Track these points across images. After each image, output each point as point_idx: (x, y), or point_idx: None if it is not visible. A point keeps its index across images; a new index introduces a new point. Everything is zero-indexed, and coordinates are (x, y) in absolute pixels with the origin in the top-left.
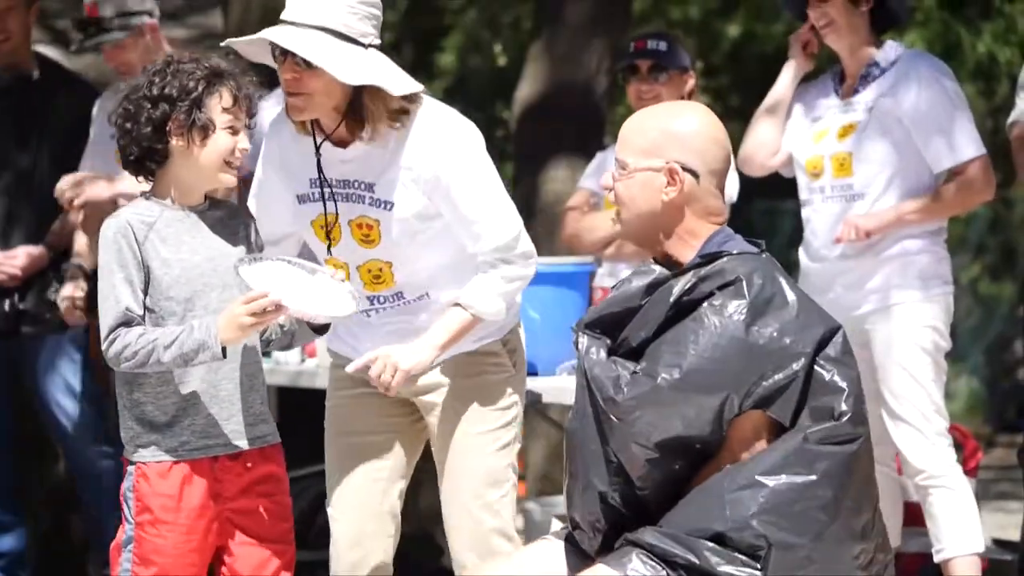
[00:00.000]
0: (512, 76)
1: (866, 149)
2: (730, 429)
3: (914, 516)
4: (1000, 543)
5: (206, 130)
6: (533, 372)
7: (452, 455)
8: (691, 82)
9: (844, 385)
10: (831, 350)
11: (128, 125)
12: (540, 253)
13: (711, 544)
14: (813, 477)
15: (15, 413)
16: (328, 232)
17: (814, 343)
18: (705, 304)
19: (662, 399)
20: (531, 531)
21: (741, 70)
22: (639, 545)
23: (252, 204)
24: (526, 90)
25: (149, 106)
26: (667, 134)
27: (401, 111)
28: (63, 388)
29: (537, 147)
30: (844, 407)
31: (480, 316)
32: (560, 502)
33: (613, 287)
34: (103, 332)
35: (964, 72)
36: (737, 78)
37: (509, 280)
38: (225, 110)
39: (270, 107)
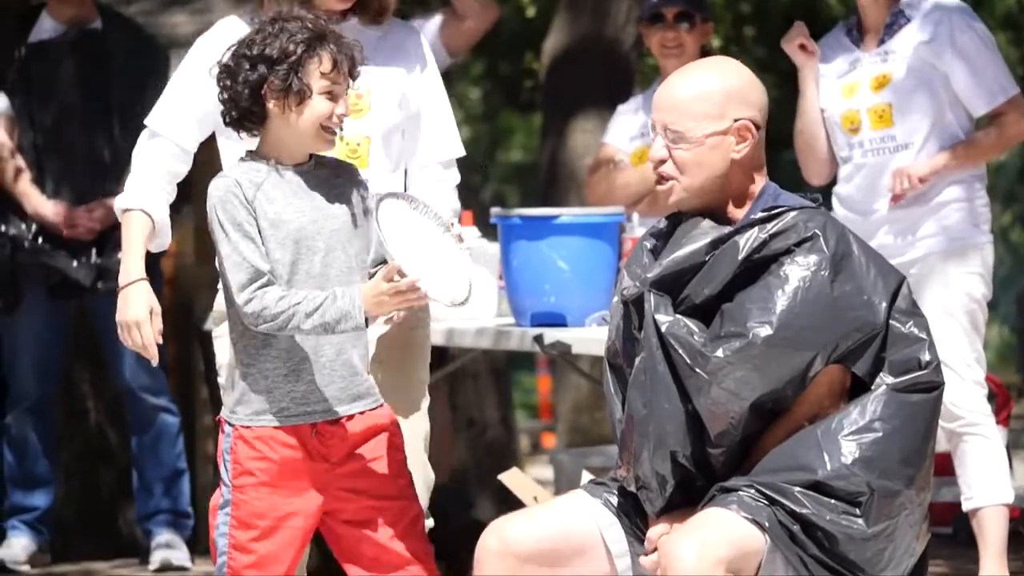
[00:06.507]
0: (541, 27)
1: (905, 98)
2: (810, 385)
3: (946, 466)
4: None
5: (302, 95)
6: (562, 323)
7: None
8: (711, 32)
9: (924, 335)
10: (902, 303)
11: (228, 83)
12: (569, 204)
13: (811, 492)
14: (907, 425)
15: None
16: None
17: (889, 297)
18: (786, 260)
19: (754, 355)
20: (561, 482)
21: (767, 22)
22: (738, 491)
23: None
24: (555, 41)
25: (248, 67)
26: (728, 94)
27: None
28: None
29: (566, 98)
30: (928, 356)
31: None
32: (592, 452)
33: (648, 233)
34: (235, 291)
35: (994, 20)
36: (763, 30)
37: (455, 211)
38: (323, 75)
39: None
